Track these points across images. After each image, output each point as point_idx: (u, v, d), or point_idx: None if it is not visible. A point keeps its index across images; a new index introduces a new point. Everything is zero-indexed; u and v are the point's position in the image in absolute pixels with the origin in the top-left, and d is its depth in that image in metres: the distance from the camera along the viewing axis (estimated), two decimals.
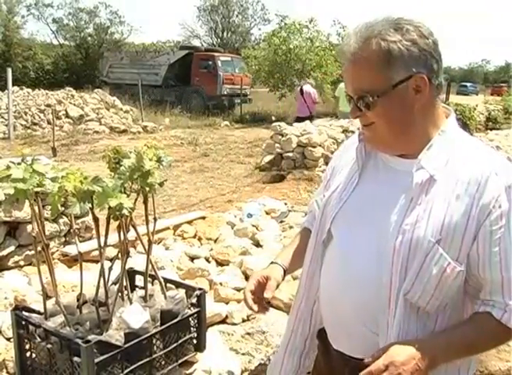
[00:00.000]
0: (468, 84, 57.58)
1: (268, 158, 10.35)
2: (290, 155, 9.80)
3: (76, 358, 1.66)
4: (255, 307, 1.57)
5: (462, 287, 1.36)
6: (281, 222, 4.67)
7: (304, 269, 1.66)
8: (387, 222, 1.37)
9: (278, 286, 1.63)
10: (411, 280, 1.32)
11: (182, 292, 2.06)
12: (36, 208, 1.69)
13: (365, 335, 1.42)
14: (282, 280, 1.68)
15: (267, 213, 4.91)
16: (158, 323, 1.93)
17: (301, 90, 12.95)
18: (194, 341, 2.11)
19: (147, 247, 1.94)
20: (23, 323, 1.84)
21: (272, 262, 1.72)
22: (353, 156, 1.55)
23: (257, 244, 3.90)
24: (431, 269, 1.30)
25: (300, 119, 11.74)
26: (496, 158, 1.37)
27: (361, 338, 1.44)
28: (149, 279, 2.03)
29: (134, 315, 1.82)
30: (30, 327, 1.82)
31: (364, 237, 1.43)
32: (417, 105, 1.35)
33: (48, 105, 16.39)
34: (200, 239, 4.08)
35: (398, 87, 1.32)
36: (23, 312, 1.87)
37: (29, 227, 3.62)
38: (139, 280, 2.16)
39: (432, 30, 1.36)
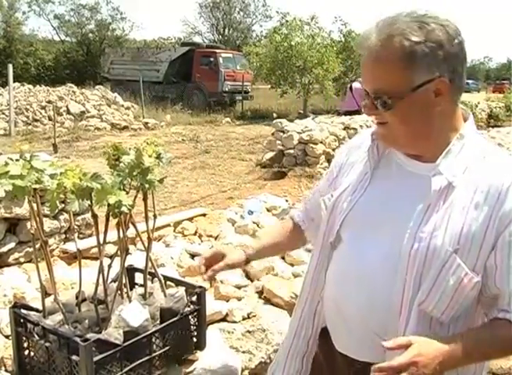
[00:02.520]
0: (470, 81, 57.51)
1: (270, 155, 10.34)
2: (292, 152, 9.79)
3: (74, 357, 1.65)
4: (205, 275, 1.73)
5: (477, 298, 1.33)
6: (282, 219, 4.65)
7: (309, 270, 1.64)
8: (402, 227, 1.33)
9: (231, 267, 1.77)
10: (427, 290, 1.28)
11: (182, 290, 2.05)
12: (34, 205, 1.68)
13: (373, 340, 1.38)
14: (245, 264, 1.81)
15: (268, 210, 4.89)
16: (158, 321, 1.92)
17: (351, 86, 13.40)
18: (194, 340, 2.10)
19: (146, 244, 1.92)
20: (22, 320, 1.83)
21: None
22: (363, 155, 1.51)
23: None
24: (448, 279, 1.27)
25: (348, 113, 12.14)
26: None
27: (368, 342, 1.41)
28: (149, 277, 2.02)
29: (133, 313, 1.81)
30: (29, 325, 1.81)
31: (376, 240, 1.39)
32: (436, 108, 1.30)
33: (49, 102, 16.38)
34: (200, 236, 4.06)
35: (418, 91, 1.27)
36: (22, 310, 1.86)
37: (29, 224, 3.60)
38: (138, 278, 2.15)
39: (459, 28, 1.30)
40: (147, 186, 1.72)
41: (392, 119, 1.31)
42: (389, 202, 1.39)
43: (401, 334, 1.30)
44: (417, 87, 1.26)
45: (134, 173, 1.70)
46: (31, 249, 3.85)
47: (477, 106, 17.61)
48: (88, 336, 1.68)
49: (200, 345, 2.11)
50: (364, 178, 1.47)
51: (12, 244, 3.93)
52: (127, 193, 1.71)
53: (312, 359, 1.67)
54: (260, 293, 2.99)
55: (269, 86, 24.07)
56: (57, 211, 3.96)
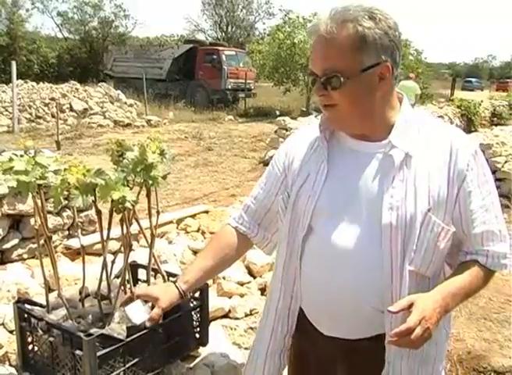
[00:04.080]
0: (473, 80, 57.49)
1: (273, 152, 10.33)
2: None
3: (78, 352, 1.66)
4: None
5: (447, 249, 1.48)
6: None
7: (277, 271, 1.68)
8: (374, 203, 1.43)
9: (164, 308, 1.69)
10: (412, 252, 1.41)
11: None
12: (38, 201, 1.68)
13: (371, 314, 1.46)
14: (180, 299, 1.72)
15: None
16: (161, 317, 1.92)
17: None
18: (197, 336, 2.10)
19: (150, 240, 1.93)
20: (26, 315, 1.83)
21: (174, 281, 1.74)
22: (309, 148, 1.60)
23: None
24: (428, 237, 1.41)
25: None
26: (455, 130, 1.53)
27: (364, 318, 1.48)
28: (152, 273, 2.03)
29: (136, 310, 1.81)
30: (33, 320, 1.81)
31: (351, 222, 1.47)
32: (379, 91, 1.43)
33: (53, 99, 16.40)
34: (203, 233, 4.07)
35: (366, 72, 1.39)
36: (26, 305, 1.86)
37: (32, 220, 3.62)
38: (141, 274, 2.16)
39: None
40: (150, 182, 1.72)
41: (341, 99, 1.41)
42: (353, 185, 1.48)
43: (395, 300, 1.41)
44: (366, 68, 1.38)
45: (138, 169, 1.70)
46: (34, 245, 3.86)
47: (480, 105, 17.54)
48: (92, 331, 1.69)
49: (203, 341, 2.12)
50: (321, 168, 1.54)
51: (16, 241, 3.95)
52: (131, 189, 1.71)
53: (294, 354, 1.70)
54: (262, 290, 3.00)
55: (272, 83, 24.05)
56: (60, 207, 3.97)
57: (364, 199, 1.45)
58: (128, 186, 1.71)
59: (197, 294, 2.06)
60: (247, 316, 2.66)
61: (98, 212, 1.78)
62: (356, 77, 1.38)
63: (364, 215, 1.45)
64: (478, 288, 1.51)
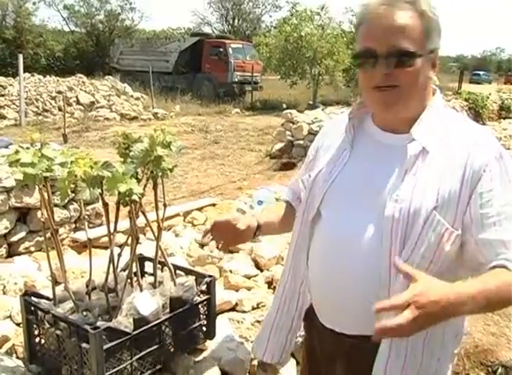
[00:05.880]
0: (481, 73, 57.10)
1: (279, 145, 10.33)
2: (301, 142, 9.77)
3: (84, 345, 1.65)
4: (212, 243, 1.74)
5: (458, 255, 1.39)
6: None
7: (289, 249, 1.70)
8: (382, 194, 1.40)
9: (244, 236, 1.71)
10: (410, 247, 1.36)
11: (191, 279, 2.05)
12: (45, 193, 1.68)
13: (369, 309, 1.32)
14: (255, 235, 1.75)
15: (277, 200, 4.88)
16: (168, 310, 1.92)
17: None
18: (204, 329, 2.10)
19: (156, 233, 1.92)
20: (32, 308, 1.83)
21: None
22: (339, 136, 1.59)
23: None
24: (430, 236, 1.35)
25: None
26: (481, 130, 1.46)
27: (363, 312, 1.40)
28: (158, 265, 2.02)
29: (144, 301, 1.81)
30: (39, 313, 1.81)
31: (358, 211, 1.45)
32: (427, 78, 1.41)
33: (59, 92, 16.42)
34: None
35: (429, 55, 1.37)
36: (33, 298, 1.86)
37: (39, 213, 3.62)
38: (148, 267, 2.15)
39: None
40: (159, 174, 1.72)
41: (406, 80, 1.37)
42: (368, 174, 1.47)
43: (389, 296, 1.30)
44: (431, 50, 1.37)
45: (147, 161, 1.69)
46: (41, 238, 3.87)
47: (488, 98, 17.45)
48: (98, 324, 1.68)
49: (210, 335, 2.11)
50: (343, 155, 1.54)
51: (23, 234, 3.96)
52: (139, 181, 1.71)
53: (305, 350, 1.70)
54: (269, 283, 2.99)
55: (279, 76, 23.98)
56: (67, 200, 3.98)
57: (373, 190, 1.44)
58: (137, 178, 1.70)
59: (204, 287, 2.06)
60: (254, 309, 2.65)
61: (105, 205, 1.77)
62: (425, 58, 1.37)
63: (370, 205, 1.43)
64: (503, 300, 1.28)
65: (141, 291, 1.89)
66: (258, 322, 2.50)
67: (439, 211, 1.34)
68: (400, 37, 1.33)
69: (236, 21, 48.82)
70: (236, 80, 23.21)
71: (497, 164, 1.36)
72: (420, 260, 1.35)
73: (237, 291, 2.79)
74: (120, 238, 2.91)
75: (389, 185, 1.41)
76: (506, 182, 1.36)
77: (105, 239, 3.22)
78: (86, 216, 4.18)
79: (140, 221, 1.86)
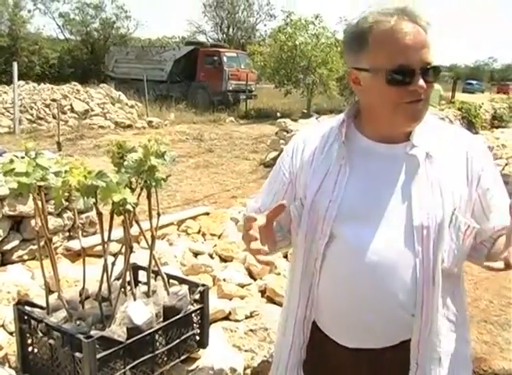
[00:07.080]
0: (474, 82, 57.39)
1: (273, 154, 10.33)
2: None
3: (77, 354, 1.66)
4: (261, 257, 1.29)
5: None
6: None
7: (295, 277, 1.59)
8: (404, 205, 1.41)
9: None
10: (445, 250, 1.41)
11: (185, 288, 2.05)
12: (39, 202, 1.68)
13: (401, 318, 1.42)
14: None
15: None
16: (161, 319, 1.92)
17: None
18: (197, 338, 2.10)
19: (150, 242, 1.93)
20: (26, 317, 1.83)
21: None
22: (323, 149, 1.53)
23: None
24: (456, 235, 1.42)
25: None
26: (466, 131, 1.58)
27: (394, 323, 1.43)
28: (152, 274, 2.02)
29: (137, 311, 1.81)
30: (33, 322, 1.81)
31: (382, 225, 1.41)
32: None
33: (54, 100, 16.37)
34: (204, 235, 4.07)
35: None
36: (26, 307, 1.86)
37: (33, 222, 3.61)
38: (142, 276, 2.16)
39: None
40: (153, 184, 1.72)
41: (428, 92, 1.41)
42: (378, 187, 1.44)
43: (426, 301, 1.41)
44: None
45: (141, 171, 1.70)
46: (35, 247, 3.86)
47: (481, 107, 17.51)
48: (92, 333, 1.69)
49: (203, 343, 2.12)
50: (341, 171, 1.47)
51: (16, 242, 3.95)
52: (133, 191, 1.71)
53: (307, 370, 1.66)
54: (263, 292, 3.00)
55: (273, 85, 24.03)
56: (61, 209, 3.97)
57: (391, 202, 1.42)
58: (131, 188, 1.71)
59: (197, 296, 2.06)
60: (247, 318, 2.66)
61: (99, 214, 1.78)
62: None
63: (393, 218, 1.41)
64: None
65: (135, 300, 1.89)
66: (252, 331, 2.50)
67: (458, 211, 1.41)
68: (428, 52, 1.38)
69: (230, 30, 48.96)
70: (231, 88, 23.24)
71: (486, 159, 1.49)
72: (452, 260, 1.42)
73: (231, 299, 2.79)
74: (114, 247, 2.91)
75: (408, 194, 1.40)
76: (494, 171, 1.52)
77: (99, 248, 3.22)
78: (80, 225, 4.18)
79: (134, 230, 1.87)
